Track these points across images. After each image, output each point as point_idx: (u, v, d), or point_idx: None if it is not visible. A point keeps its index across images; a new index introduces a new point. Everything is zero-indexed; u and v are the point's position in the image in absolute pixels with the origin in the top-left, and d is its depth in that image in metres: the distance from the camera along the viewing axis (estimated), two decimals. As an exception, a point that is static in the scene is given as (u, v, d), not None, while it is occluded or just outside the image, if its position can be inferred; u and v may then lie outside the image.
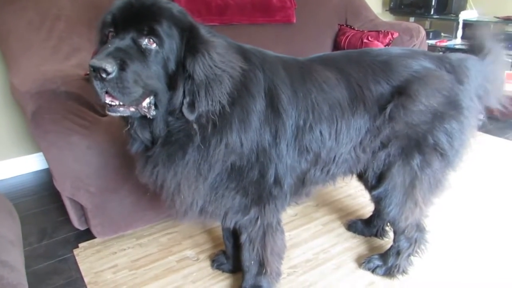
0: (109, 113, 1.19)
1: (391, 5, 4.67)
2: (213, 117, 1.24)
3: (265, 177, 1.44)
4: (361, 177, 1.81)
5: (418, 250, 1.84)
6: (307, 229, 2.27)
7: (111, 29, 1.18)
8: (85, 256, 2.07)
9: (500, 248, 2.09)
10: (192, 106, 1.21)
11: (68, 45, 2.37)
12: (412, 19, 4.71)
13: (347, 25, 3.59)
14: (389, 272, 1.88)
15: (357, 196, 2.59)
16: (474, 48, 1.69)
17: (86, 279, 1.91)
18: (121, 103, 1.15)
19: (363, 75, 1.52)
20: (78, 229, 2.19)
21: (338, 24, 3.62)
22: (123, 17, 1.15)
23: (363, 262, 1.96)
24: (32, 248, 2.16)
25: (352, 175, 1.79)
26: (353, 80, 1.52)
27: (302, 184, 1.59)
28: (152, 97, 1.20)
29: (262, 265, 1.64)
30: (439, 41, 4.38)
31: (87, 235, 2.16)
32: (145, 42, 1.15)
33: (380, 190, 1.65)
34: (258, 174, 1.42)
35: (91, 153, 1.83)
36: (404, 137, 1.54)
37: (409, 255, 1.85)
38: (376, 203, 1.89)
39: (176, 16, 1.20)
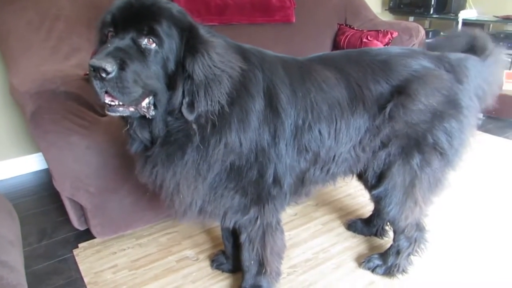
0: (109, 112, 1.19)
1: (391, 4, 4.67)
2: (212, 117, 1.24)
3: (264, 176, 1.44)
4: (360, 176, 1.81)
5: (418, 250, 1.84)
6: (306, 228, 2.27)
7: (111, 29, 1.18)
8: (85, 256, 2.07)
9: (499, 247, 2.09)
10: (191, 106, 1.21)
11: (68, 45, 2.37)
12: (411, 18, 4.72)
13: (346, 25, 3.60)
14: (389, 272, 1.88)
15: (356, 196, 2.59)
16: (476, 49, 1.69)
17: (86, 279, 1.91)
18: (120, 103, 1.15)
19: (363, 75, 1.52)
20: (77, 229, 2.19)
21: (338, 24, 3.62)
22: (123, 17, 1.15)
23: (363, 261, 1.96)
24: (31, 248, 2.15)
25: (352, 174, 1.79)
26: (353, 79, 1.52)
27: (301, 183, 1.59)
28: (151, 97, 1.20)
29: (261, 265, 1.64)
30: (439, 41, 4.38)
31: (87, 235, 2.16)
32: (144, 42, 1.15)
33: (380, 189, 1.65)
34: (257, 174, 1.42)
35: (91, 153, 1.82)
36: (404, 136, 1.54)
37: (409, 255, 1.85)
38: (376, 203, 1.89)
39: (175, 16, 1.19)
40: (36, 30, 2.32)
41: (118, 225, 2.11)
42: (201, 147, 1.30)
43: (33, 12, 2.36)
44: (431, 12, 4.36)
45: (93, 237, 2.14)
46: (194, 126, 1.26)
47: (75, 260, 2.05)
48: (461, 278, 1.89)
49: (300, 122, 1.44)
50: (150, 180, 1.39)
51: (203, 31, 1.25)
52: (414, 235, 1.80)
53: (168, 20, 1.17)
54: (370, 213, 2.21)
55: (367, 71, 1.53)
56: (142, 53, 1.14)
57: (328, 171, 1.61)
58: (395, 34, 3.26)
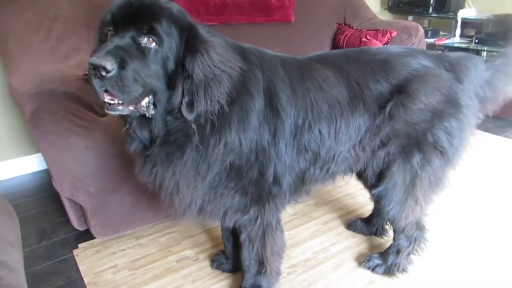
0: (108, 111, 1.18)
1: (390, 3, 4.67)
2: (211, 117, 1.24)
3: (264, 176, 1.44)
4: (360, 176, 1.82)
5: (418, 249, 1.84)
6: (306, 228, 2.27)
7: (111, 28, 1.17)
8: (85, 257, 2.07)
9: (499, 246, 2.09)
10: (191, 105, 1.20)
11: (67, 45, 2.37)
12: (410, 17, 4.71)
13: (345, 24, 3.59)
14: (389, 271, 1.88)
15: (356, 195, 2.59)
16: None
17: (85, 280, 1.91)
18: (120, 102, 1.15)
19: (362, 74, 1.52)
20: (77, 230, 2.19)
21: (337, 23, 3.62)
22: (123, 16, 1.15)
23: (363, 261, 1.96)
24: (31, 248, 2.15)
25: (352, 173, 1.79)
26: (352, 79, 1.52)
27: (301, 183, 1.59)
28: (151, 96, 1.20)
29: (261, 265, 1.64)
30: (438, 40, 4.39)
31: (87, 235, 2.16)
32: (144, 41, 1.15)
33: (380, 188, 1.65)
34: (257, 173, 1.42)
35: (90, 154, 1.82)
36: (404, 135, 1.54)
37: (409, 254, 1.85)
38: (376, 202, 1.89)
39: (175, 16, 1.19)
40: (35, 31, 2.32)
41: (118, 225, 2.10)
42: (201, 147, 1.29)
43: (32, 12, 2.35)
44: (430, 11, 4.37)
45: (93, 238, 2.14)
46: (194, 126, 1.26)
47: (75, 260, 2.05)
48: (461, 277, 1.89)
49: (300, 121, 1.44)
50: (150, 179, 1.39)
51: (202, 30, 1.25)
52: (414, 234, 1.80)
53: (168, 19, 1.16)
54: (370, 212, 2.21)
55: (367, 70, 1.53)
56: (142, 52, 1.14)
57: (328, 170, 1.61)
58: (394, 34, 3.26)
